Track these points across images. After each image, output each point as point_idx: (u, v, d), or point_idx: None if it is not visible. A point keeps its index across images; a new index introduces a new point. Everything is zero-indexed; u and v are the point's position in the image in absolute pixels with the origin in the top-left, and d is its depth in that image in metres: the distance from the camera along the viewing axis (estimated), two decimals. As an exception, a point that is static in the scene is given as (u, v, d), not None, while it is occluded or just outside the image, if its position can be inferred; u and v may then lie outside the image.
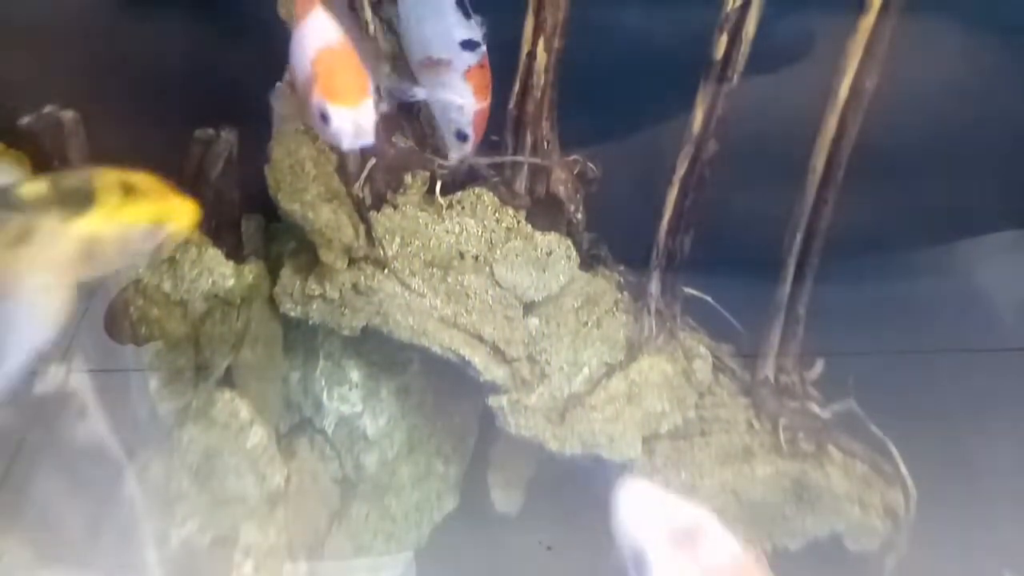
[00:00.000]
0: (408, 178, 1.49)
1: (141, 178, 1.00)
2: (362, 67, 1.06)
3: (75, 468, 1.31)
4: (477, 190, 1.51)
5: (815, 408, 1.51)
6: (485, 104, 1.39)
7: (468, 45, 1.35)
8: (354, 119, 1.03)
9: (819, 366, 1.55)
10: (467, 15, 1.33)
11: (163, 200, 1.00)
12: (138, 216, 0.98)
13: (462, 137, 1.42)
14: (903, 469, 1.46)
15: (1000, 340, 1.79)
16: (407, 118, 1.52)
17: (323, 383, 1.50)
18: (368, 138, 1.04)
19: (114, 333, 1.36)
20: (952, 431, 1.51)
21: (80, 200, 0.95)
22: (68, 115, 1.24)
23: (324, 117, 1.04)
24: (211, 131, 1.43)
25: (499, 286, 1.48)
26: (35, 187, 0.96)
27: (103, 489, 1.30)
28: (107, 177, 0.98)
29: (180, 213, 1.01)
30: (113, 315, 1.35)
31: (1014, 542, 1.47)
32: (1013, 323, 1.84)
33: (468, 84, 1.37)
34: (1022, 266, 1.91)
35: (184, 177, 1.43)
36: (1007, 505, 1.52)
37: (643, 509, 0.91)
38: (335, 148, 1.41)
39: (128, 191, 0.97)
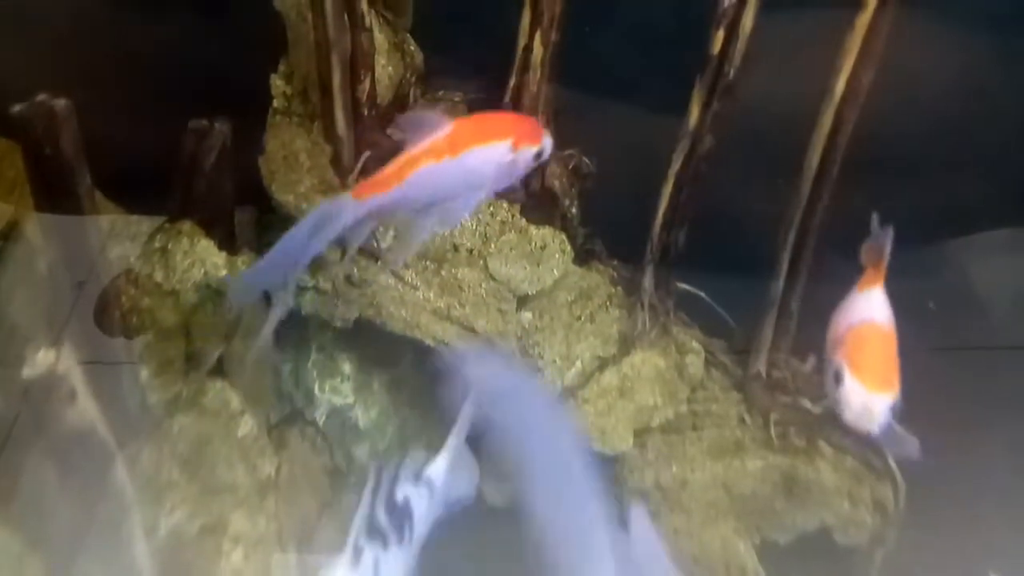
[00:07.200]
0: (403, 170, 1.49)
1: None
2: (896, 366, 1.06)
3: (65, 457, 1.31)
4: (471, 183, 1.51)
5: (807, 403, 1.51)
6: None
7: None
8: (865, 401, 1.03)
9: (811, 362, 1.55)
10: None
11: None
12: None
13: None
14: (892, 464, 1.46)
15: (994, 338, 1.79)
16: (401, 110, 1.52)
17: (315, 374, 1.50)
18: (870, 426, 1.03)
19: (104, 325, 1.36)
20: (942, 427, 1.50)
21: None
22: (61, 104, 1.24)
23: (838, 377, 1.04)
24: (205, 122, 1.42)
25: (493, 279, 1.48)
26: None
27: (93, 478, 1.31)
28: None
29: None
30: (104, 306, 1.35)
31: (1001, 540, 1.47)
32: (1008, 321, 1.83)
33: None
34: (1018, 264, 1.91)
35: (177, 168, 1.43)
36: (995, 502, 1.52)
37: None
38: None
39: None
